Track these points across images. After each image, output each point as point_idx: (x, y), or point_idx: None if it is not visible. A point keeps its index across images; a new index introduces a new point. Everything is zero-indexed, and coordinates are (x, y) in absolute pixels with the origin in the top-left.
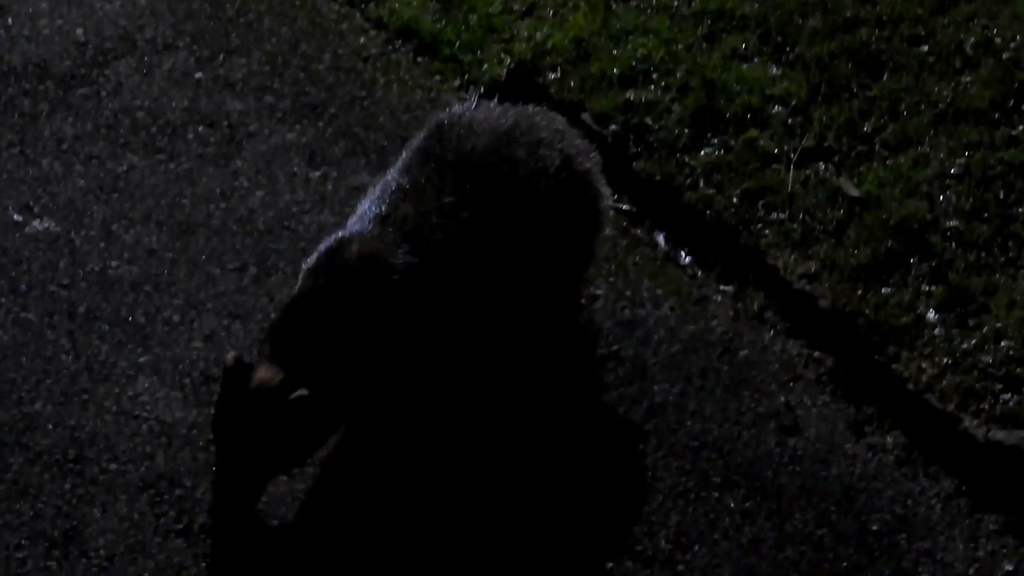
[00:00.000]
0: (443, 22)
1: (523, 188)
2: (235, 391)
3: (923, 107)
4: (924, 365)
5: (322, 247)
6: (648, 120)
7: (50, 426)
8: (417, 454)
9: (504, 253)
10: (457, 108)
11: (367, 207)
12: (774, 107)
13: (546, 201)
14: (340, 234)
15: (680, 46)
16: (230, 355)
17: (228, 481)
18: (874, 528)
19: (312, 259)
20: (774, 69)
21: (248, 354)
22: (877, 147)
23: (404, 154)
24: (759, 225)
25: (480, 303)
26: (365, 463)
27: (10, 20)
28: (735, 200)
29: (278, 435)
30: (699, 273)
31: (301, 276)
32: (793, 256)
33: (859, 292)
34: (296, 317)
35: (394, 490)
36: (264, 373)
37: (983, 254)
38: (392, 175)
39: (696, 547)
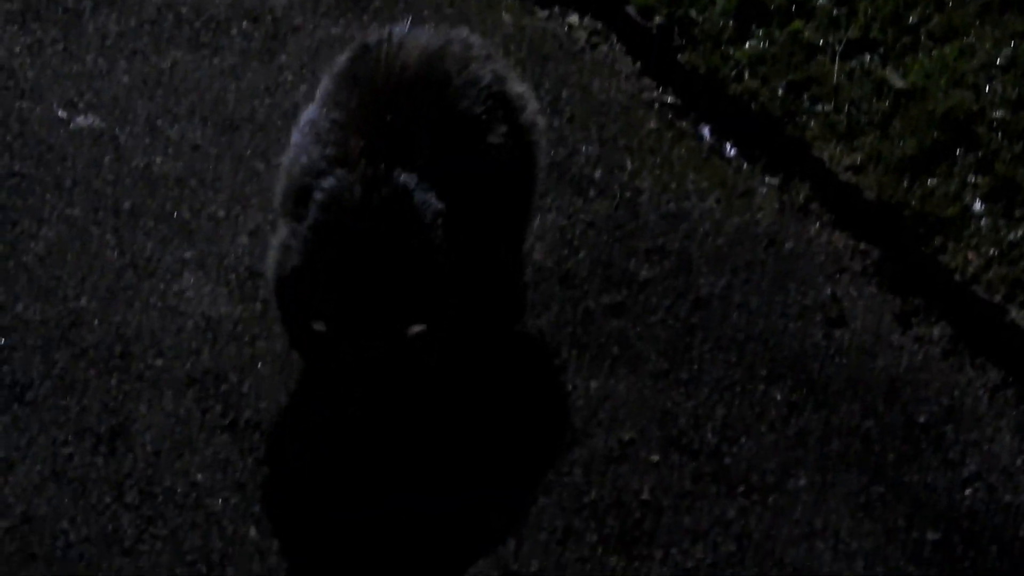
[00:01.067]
0: None
1: (457, 103)
2: None
3: None
4: (970, 256)
5: (318, 197)
6: (692, 12)
7: (96, 322)
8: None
9: (454, 177)
10: (384, 30)
11: (306, 150)
12: None
13: (482, 118)
14: (326, 184)
15: None
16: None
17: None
18: (921, 420)
19: (313, 213)
20: None
21: None
22: (923, 38)
23: (325, 82)
24: (804, 117)
25: (450, 228)
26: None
27: None
28: (780, 92)
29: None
30: (744, 165)
31: (304, 234)
32: (839, 148)
33: (905, 183)
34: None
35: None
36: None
37: None
38: (319, 111)
39: (742, 439)
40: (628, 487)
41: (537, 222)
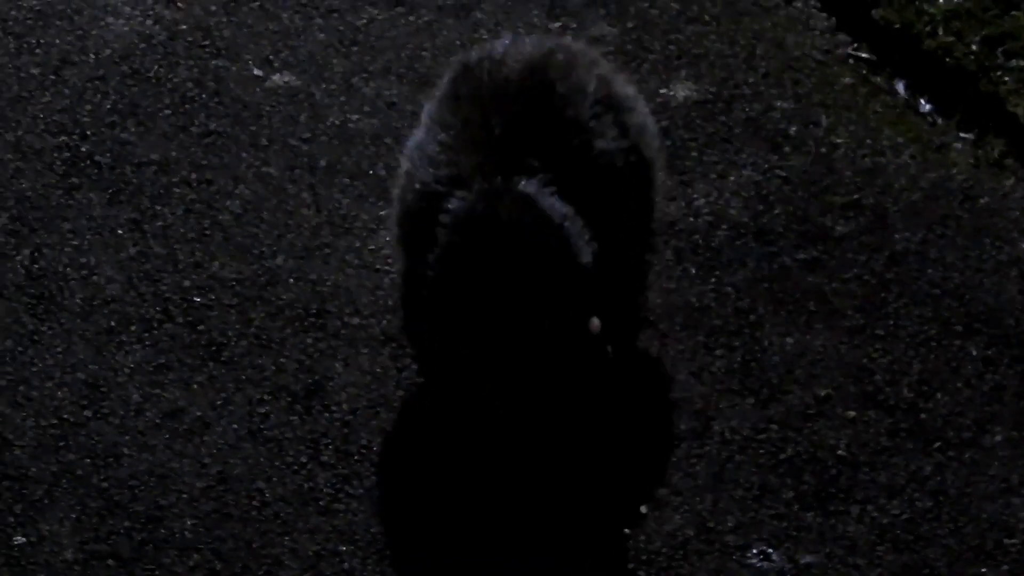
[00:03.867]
0: None
1: (563, 111)
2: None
3: None
4: None
5: (445, 221)
6: None
7: (291, 280)
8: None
9: (567, 185)
10: (485, 46)
11: (418, 176)
12: None
13: (590, 124)
14: (451, 205)
15: None
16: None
17: None
18: None
19: (444, 238)
20: None
21: None
22: None
23: (429, 106)
24: (999, 72)
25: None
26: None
27: None
28: (974, 47)
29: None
30: (939, 121)
31: (439, 259)
32: None
33: None
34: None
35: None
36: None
37: None
38: (426, 135)
39: (938, 395)
40: (824, 443)
41: (732, 178)
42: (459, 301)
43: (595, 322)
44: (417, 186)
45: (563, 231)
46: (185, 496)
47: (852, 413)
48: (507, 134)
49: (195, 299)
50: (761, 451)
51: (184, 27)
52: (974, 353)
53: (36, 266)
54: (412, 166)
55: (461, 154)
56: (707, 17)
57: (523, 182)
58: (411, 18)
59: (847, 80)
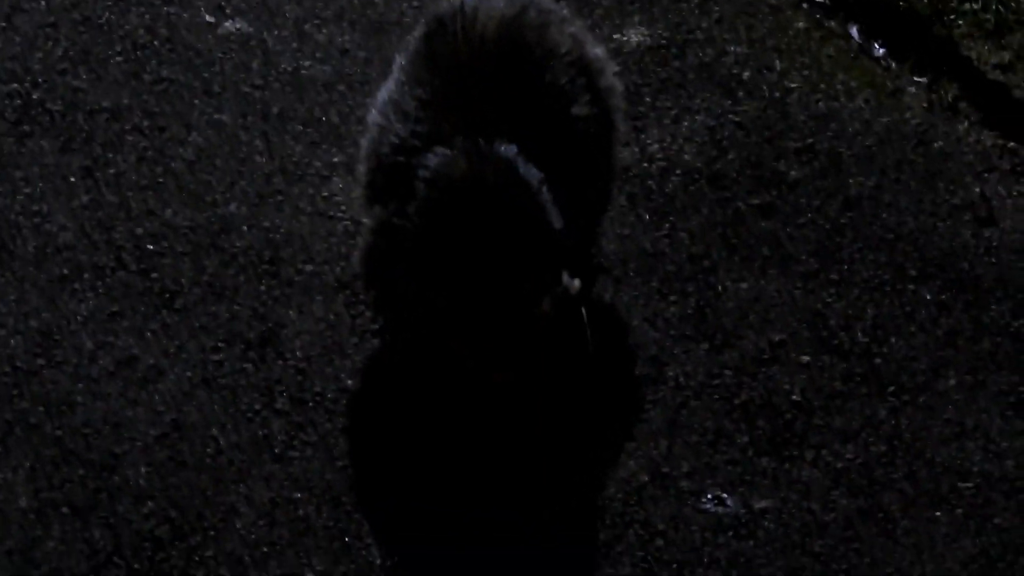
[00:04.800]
0: None
1: (540, 74)
2: None
3: None
4: None
5: (423, 175)
6: None
7: (245, 228)
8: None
9: (542, 148)
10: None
11: (393, 130)
12: None
13: (565, 87)
14: (430, 161)
15: None
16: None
17: None
18: None
19: (420, 192)
20: None
21: None
22: None
23: (401, 59)
24: (952, 16)
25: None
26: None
27: None
28: None
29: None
30: (893, 65)
31: (413, 212)
32: (987, 46)
33: None
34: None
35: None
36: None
37: None
38: (400, 89)
39: (892, 339)
40: (779, 388)
41: (686, 123)
42: (437, 255)
43: (575, 283)
44: (394, 139)
45: (539, 196)
46: (139, 444)
47: (806, 358)
48: (485, 95)
49: (148, 247)
50: (715, 396)
51: None
52: (928, 297)
53: None
54: (386, 120)
55: (439, 112)
56: None
57: (504, 146)
58: None
59: (801, 25)
